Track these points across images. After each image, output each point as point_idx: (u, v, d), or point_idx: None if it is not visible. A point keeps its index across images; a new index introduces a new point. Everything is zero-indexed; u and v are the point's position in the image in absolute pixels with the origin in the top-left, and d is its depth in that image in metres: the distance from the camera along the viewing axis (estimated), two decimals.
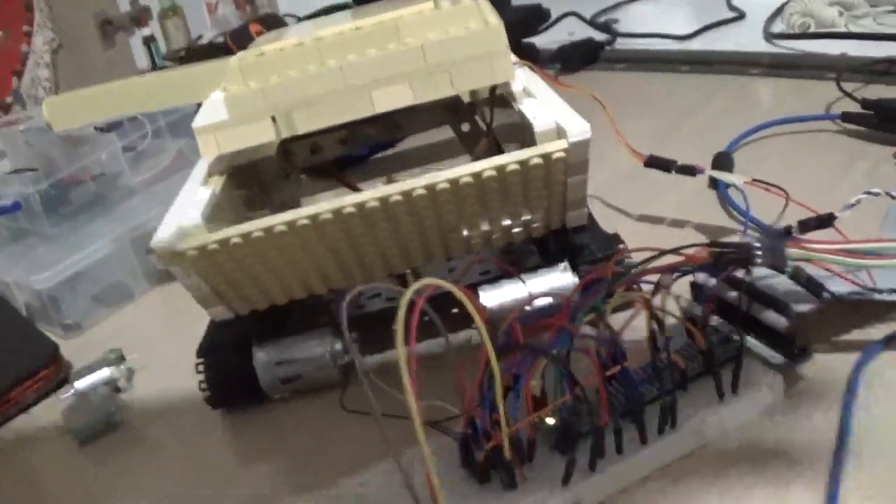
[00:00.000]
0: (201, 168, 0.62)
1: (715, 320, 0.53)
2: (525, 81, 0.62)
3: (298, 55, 0.57)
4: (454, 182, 0.52)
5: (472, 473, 0.48)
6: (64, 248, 0.82)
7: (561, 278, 0.61)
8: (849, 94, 0.86)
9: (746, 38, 1.17)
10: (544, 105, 0.57)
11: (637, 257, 0.53)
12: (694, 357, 0.51)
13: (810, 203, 0.64)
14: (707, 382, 0.50)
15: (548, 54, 1.24)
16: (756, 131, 0.86)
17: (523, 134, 0.59)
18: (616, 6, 1.45)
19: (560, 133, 0.53)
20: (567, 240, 0.61)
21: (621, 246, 0.61)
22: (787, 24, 1.15)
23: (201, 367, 0.61)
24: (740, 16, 1.27)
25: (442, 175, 0.52)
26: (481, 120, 0.67)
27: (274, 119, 0.57)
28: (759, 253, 0.49)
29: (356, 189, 0.65)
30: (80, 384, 0.67)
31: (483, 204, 0.55)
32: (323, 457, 0.57)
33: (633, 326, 0.49)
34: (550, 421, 0.47)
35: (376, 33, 0.57)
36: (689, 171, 0.68)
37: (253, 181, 0.68)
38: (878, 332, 0.54)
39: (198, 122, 0.57)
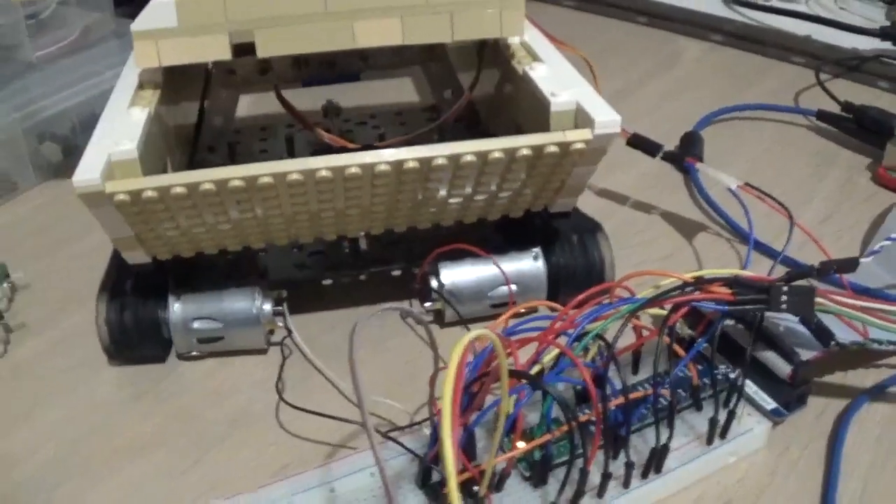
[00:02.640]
0: (130, 77, 0.52)
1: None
2: (526, 35, 0.53)
3: None
4: (454, 159, 0.43)
5: (433, 500, 0.41)
6: None
7: (532, 266, 0.54)
8: (830, 94, 0.82)
9: None
10: (559, 77, 0.49)
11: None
12: (681, 384, 0.47)
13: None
14: (695, 416, 0.46)
15: None
16: (726, 112, 0.82)
17: (518, 98, 0.51)
18: None
19: (580, 119, 0.45)
20: (545, 225, 0.54)
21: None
22: None
23: (102, 311, 0.51)
24: None
25: (441, 149, 0.43)
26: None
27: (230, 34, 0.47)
28: (786, 303, 0.43)
29: (304, 120, 0.55)
30: None
31: (473, 182, 0.47)
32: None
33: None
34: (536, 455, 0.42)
35: None
36: (676, 159, 0.62)
37: (183, 91, 0.58)
38: (863, 380, 0.52)
39: (138, 24, 0.47)
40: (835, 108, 0.79)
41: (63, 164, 0.74)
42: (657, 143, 0.63)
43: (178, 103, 0.57)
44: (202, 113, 0.59)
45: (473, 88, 0.57)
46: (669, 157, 0.63)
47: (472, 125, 0.61)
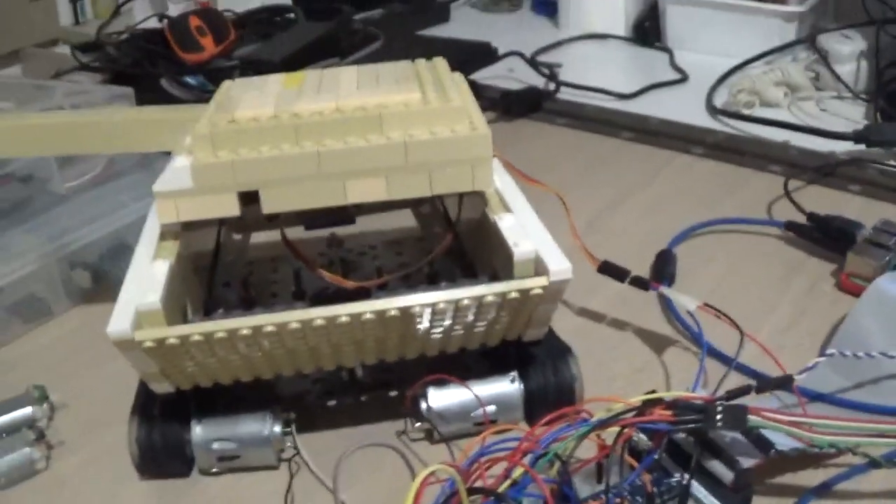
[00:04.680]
0: (153, 228, 0.59)
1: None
2: (498, 182, 0.61)
3: (273, 130, 0.55)
4: (432, 306, 0.51)
5: None
6: None
7: (509, 388, 0.60)
8: (796, 205, 0.88)
9: (689, 107, 1.18)
10: (523, 226, 0.56)
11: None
12: (638, 491, 0.51)
13: (750, 321, 0.68)
14: None
15: (487, 91, 1.23)
16: (699, 228, 0.87)
17: (490, 240, 0.58)
18: (560, 44, 1.45)
19: (539, 267, 0.52)
20: (521, 351, 0.60)
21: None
22: (731, 98, 1.16)
23: (133, 432, 0.58)
24: (684, 78, 1.28)
25: (420, 299, 0.51)
26: (442, 206, 0.66)
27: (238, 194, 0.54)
28: (720, 421, 0.49)
29: (306, 260, 0.63)
30: (2, 421, 0.63)
31: (451, 320, 0.54)
32: None
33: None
34: None
35: (358, 121, 0.55)
36: (642, 284, 0.68)
37: (199, 238, 0.65)
38: (811, 479, 0.56)
39: (160, 185, 0.55)
40: (803, 218, 0.84)
41: (93, 290, 0.81)
42: (625, 270, 0.69)
43: (197, 237, 0.65)
44: (217, 255, 0.67)
45: (455, 231, 0.64)
46: (636, 282, 0.69)
47: (460, 257, 0.68)
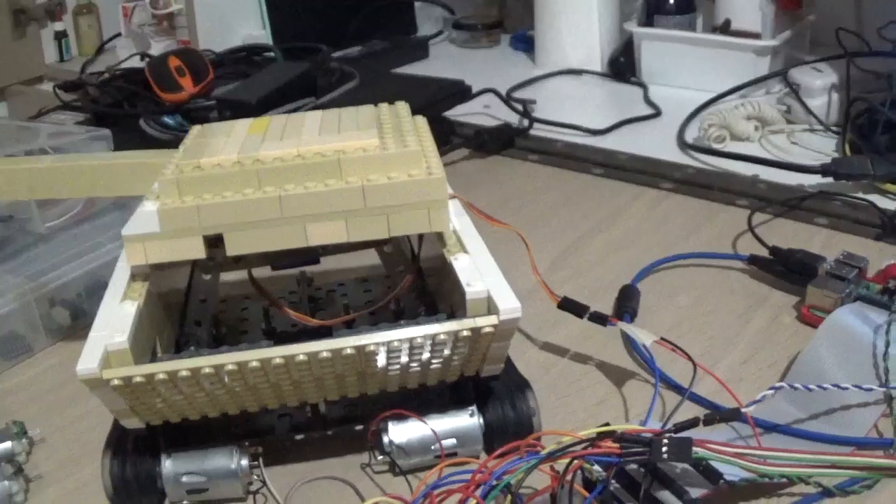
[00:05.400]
0: (123, 269, 0.61)
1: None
2: (456, 222, 0.63)
3: (236, 176, 0.57)
4: (386, 344, 0.53)
5: None
6: None
7: (468, 422, 0.62)
8: (759, 239, 0.89)
9: (661, 142, 1.20)
10: (476, 266, 0.58)
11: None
12: None
13: (710, 354, 0.72)
14: None
15: (462, 128, 1.26)
16: (663, 262, 0.89)
17: (447, 279, 0.60)
18: (535, 80, 1.48)
19: (491, 306, 0.54)
20: (479, 385, 0.62)
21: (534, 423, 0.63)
22: (702, 133, 1.17)
23: (106, 466, 0.60)
24: (657, 113, 1.31)
25: (375, 337, 0.53)
26: (408, 244, 0.68)
27: (204, 237, 0.56)
28: (666, 453, 0.51)
29: (273, 300, 0.65)
30: None
31: (407, 356, 0.56)
32: None
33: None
34: None
35: (318, 166, 0.57)
36: (601, 320, 0.69)
37: (170, 278, 0.67)
38: None
39: (128, 229, 0.57)
40: (766, 252, 0.86)
41: (72, 327, 0.83)
42: (584, 306, 0.71)
43: (168, 276, 0.67)
44: (188, 295, 0.69)
45: (417, 266, 0.66)
46: (595, 318, 0.70)
47: (424, 295, 0.70)
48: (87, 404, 0.72)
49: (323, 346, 0.52)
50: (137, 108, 1.22)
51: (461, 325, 0.54)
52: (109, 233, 0.88)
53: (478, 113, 1.33)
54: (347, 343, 0.53)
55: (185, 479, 0.60)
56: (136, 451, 0.61)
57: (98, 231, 0.89)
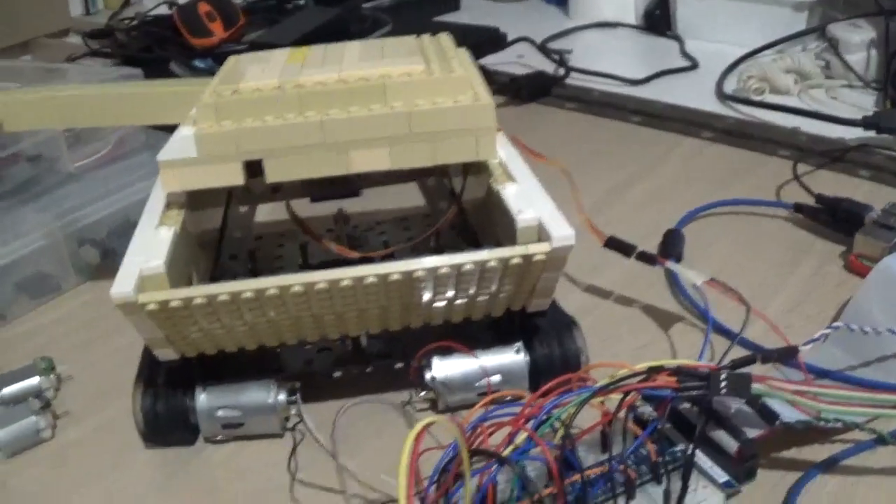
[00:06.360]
0: (158, 196, 0.59)
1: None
2: (503, 154, 0.61)
3: (277, 100, 0.55)
4: (432, 271, 0.51)
5: None
6: None
7: (514, 359, 0.60)
8: (805, 187, 0.88)
9: (699, 93, 1.18)
10: (526, 195, 0.56)
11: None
12: (643, 460, 0.51)
13: (757, 300, 0.68)
14: (653, 488, 0.51)
15: (496, 76, 1.24)
16: (708, 209, 0.87)
17: (494, 211, 0.58)
18: (569, 31, 1.45)
19: (542, 234, 0.52)
20: (525, 322, 0.60)
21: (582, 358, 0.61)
22: (741, 85, 1.16)
23: (138, 401, 0.58)
24: (693, 65, 1.28)
25: (424, 262, 0.51)
26: (449, 182, 0.65)
27: (243, 163, 0.54)
28: (725, 387, 0.49)
29: (312, 233, 0.63)
30: (9, 391, 0.63)
31: (454, 288, 0.54)
32: None
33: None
34: None
35: (362, 91, 0.55)
36: (649, 259, 0.67)
37: (207, 204, 0.65)
38: (817, 454, 0.56)
39: (164, 155, 0.55)
40: (811, 201, 0.85)
41: (101, 266, 0.82)
42: (632, 245, 0.69)
43: (203, 215, 0.65)
44: (224, 227, 0.67)
45: (460, 202, 0.64)
46: (643, 258, 0.69)
47: (465, 233, 0.68)
48: (117, 341, 0.70)
49: (369, 271, 0.50)
50: (168, 52, 1.21)
51: (512, 252, 0.51)
52: (140, 171, 0.86)
53: (511, 62, 1.31)
54: (395, 269, 0.50)
55: (220, 413, 0.58)
56: (168, 384, 0.59)
57: (128, 171, 0.87)
